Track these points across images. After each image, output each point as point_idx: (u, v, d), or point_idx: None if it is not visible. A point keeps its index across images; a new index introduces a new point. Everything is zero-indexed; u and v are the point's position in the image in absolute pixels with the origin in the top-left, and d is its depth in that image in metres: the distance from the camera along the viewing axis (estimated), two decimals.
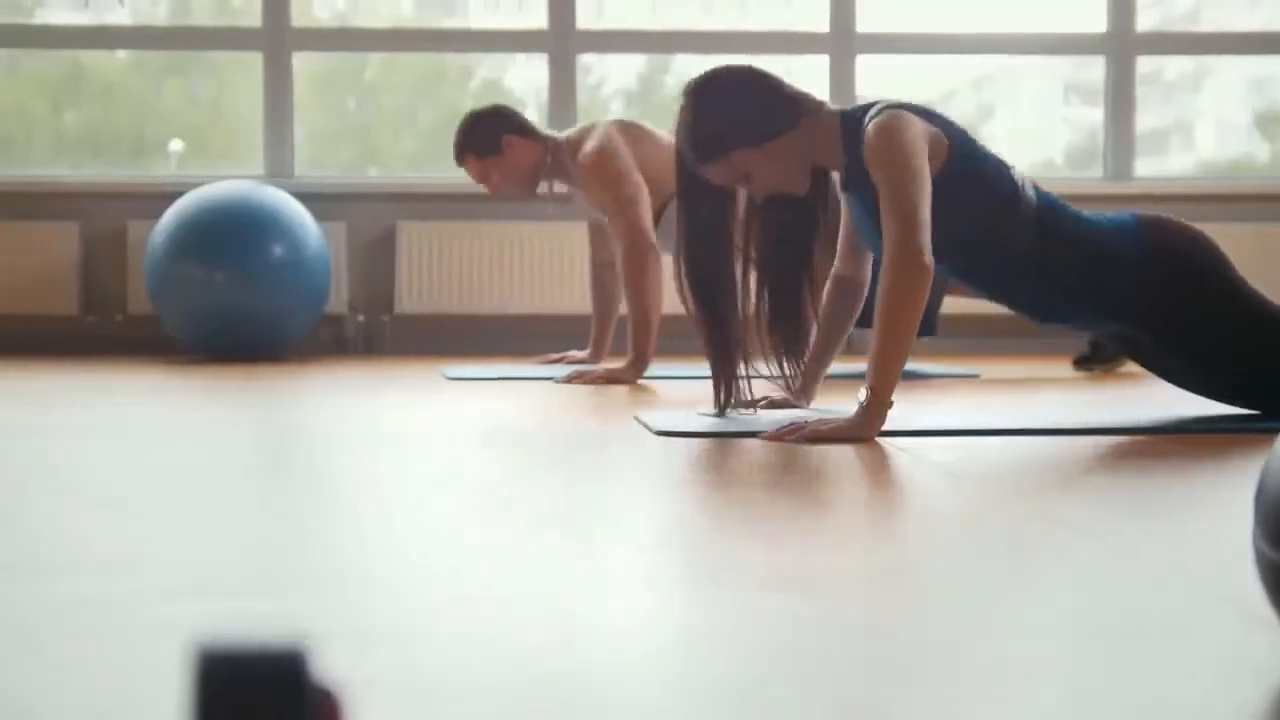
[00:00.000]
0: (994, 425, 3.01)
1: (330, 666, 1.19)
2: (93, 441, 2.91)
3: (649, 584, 1.59)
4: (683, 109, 3.09)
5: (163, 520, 1.99)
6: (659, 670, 1.23)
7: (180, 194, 5.54)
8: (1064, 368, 4.92)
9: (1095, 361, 4.81)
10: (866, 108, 3.04)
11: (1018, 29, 6.58)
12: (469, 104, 7.22)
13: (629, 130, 4.69)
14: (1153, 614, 1.45)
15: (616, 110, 7.33)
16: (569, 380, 4.38)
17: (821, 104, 3.09)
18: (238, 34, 6.41)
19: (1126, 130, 6.40)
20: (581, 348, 5.21)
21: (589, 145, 4.63)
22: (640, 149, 4.63)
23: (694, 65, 7.08)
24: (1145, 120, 6.76)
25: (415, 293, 6.09)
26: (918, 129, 2.93)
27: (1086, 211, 3.11)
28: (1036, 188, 3.08)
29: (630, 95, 7.43)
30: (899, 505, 2.22)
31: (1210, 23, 7.33)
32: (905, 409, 3.29)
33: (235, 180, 5.66)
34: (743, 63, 3.15)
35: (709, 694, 1.17)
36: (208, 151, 6.88)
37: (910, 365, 4.95)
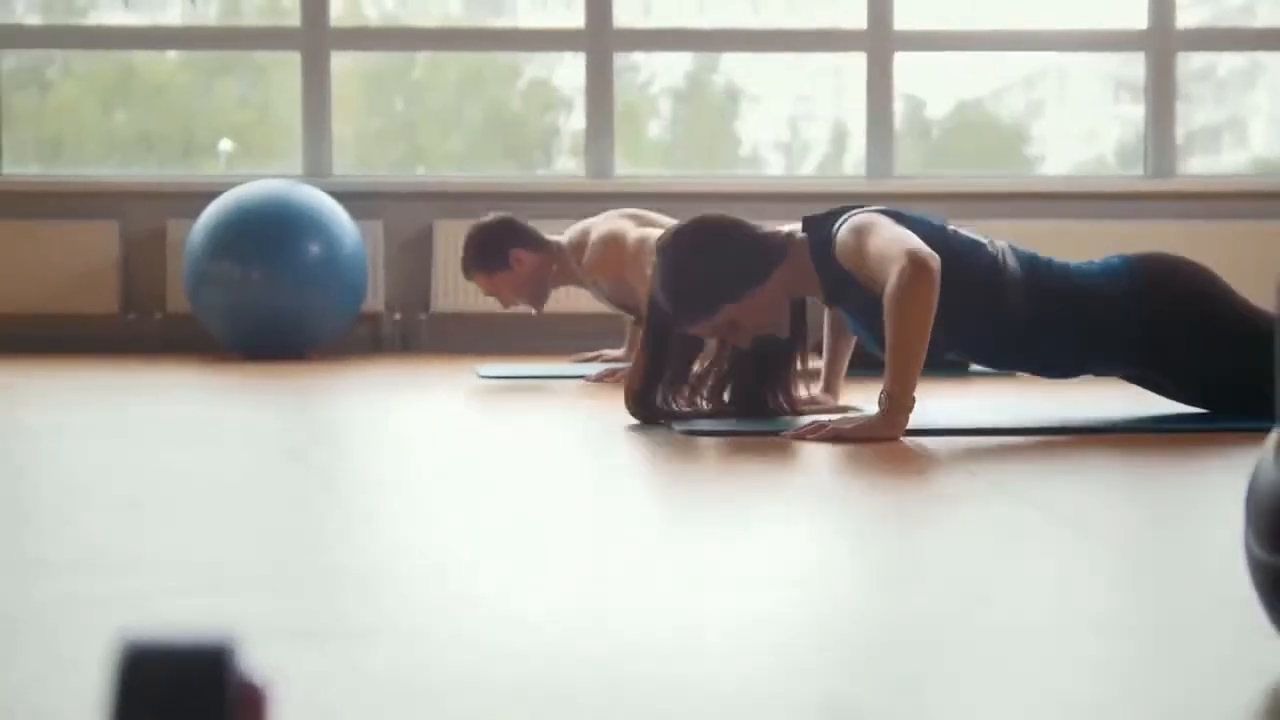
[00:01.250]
0: (1019, 424, 2.99)
1: (260, 662, 1.20)
2: (119, 440, 2.94)
3: (650, 582, 1.59)
4: (657, 268, 3.06)
5: (176, 518, 2.00)
6: (660, 669, 1.23)
7: (219, 193, 5.57)
8: None
9: None
10: (831, 220, 3.03)
11: (1057, 26, 6.54)
12: (517, 103, 7.29)
13: (632, 215, 4.70)
14: (1150, 614, 1.44)
15: (665, 108, 7.35)
16: (601, 379, 4.38)
17: (790, 236, 3.08)
18: (277, 34, 6.44)
19: (1168, 127, 6.35)
20: (616, 346, 5.21)
21: (594, 238, 4.62)
22: (646, 231, 4.61)
23: (740, 63, 7.12)
24: (1198, 117, 6.70)
25: (451, 291, 6.10)
26: (885, 220, 2.94)
27: (1074, 261, 3.10)
28: (1015, 251, 3.06)
29: (678, 93, 7.43)
30: (907, 504, 2.21)
31: (1266, 18, 7.21)
32: (934, 406, 3.28)
33: (273, 179, 5.69)
34: (712, 215, 3.13)
35: (708, 694, 1.16)
36: (257, 151, 6.92)
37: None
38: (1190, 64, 6.46)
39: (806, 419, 2.93)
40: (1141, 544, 1.81)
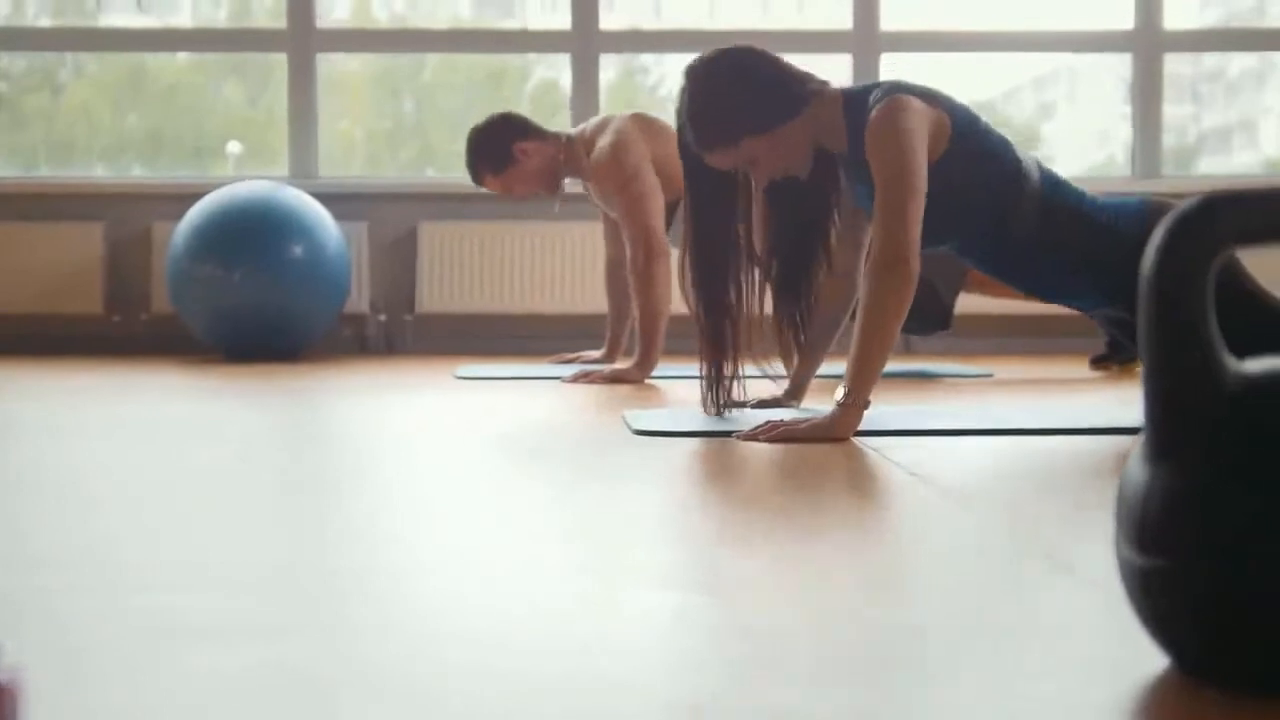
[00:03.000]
0: (972, 425, 2.99)
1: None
2: (96, 441, 2.95)
3: (633, 580, 1.60)
4: (684, 91, 3.06)
5: (160, 516, 2.01)
6: (652, 664, 1.24)
7: (204, 195, 5.59)
8: (1081, 368, 4.88)
9: (1113, 361, 4.78)
10: (871, 88, 3.03)
11: (1044, 26, 6.53)
12: (526, 105, 7.28)
13: (645, 125, 4.65)
14: (1042, 614, 1.44)
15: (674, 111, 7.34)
16: (575, 380, 4.39)
17: (825, 84, 3.07)
18: (263, 35, 6.46)
19: (1154, 129, 6.35)
20: (600, 347, 5.22)
21: (603, 140, 4.60)
22: (656, 144, 4.60)
23: None
24: (1209, 118, 6.67)
25: (436, 292, 6.11)
26: (920, 116, 2.92)
27: (1093, 193, 3.08)
28: (1041, 167, 3.07)
29: None
30: (843, 506, 2.21)
31: (1277, 18, 7.16)
32: (896, 408, 3.29)
33: (257, 181, 5.70)
34: (747, 45, 3.10)
35: (694, 691, 1.17)
36: (265, 153, 6.92)
37: (924, 365, 4.96)
38: (1202, 65, 6.43)
39: (760, 418, 2.93)
40: (1059, 545, 1.81)
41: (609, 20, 6.34)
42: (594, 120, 4.80)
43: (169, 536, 1.87)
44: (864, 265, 2.95)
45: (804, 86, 3.04)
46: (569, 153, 4.71)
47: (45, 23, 6.72)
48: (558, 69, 7.06)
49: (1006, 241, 3.03)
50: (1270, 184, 1.12)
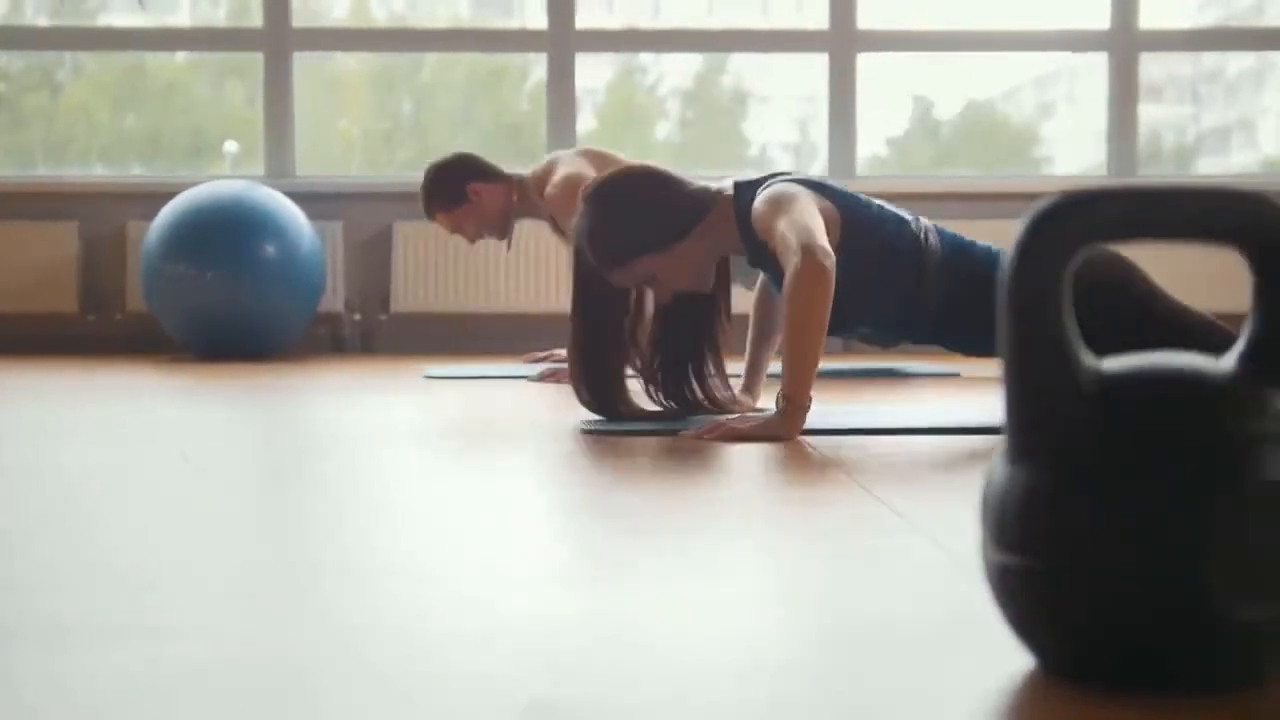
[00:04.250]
0: (913, 426, 3.00)
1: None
2: (83, 444, 2.96)
3: (607, 578, 1.61)
4: (582, 215, 3.06)
5: (132, 517, 2.03)
6: (633, 662, 1.25)
7: (178, 194, 5.59)
8: None
9: None
10: (757, 185, 3.03)
11: (1022, 26, 6.53)
12: (525, 104, 7.29)
13: (595, 157, 4.69)
14: (930, 613, 1.45)
15: (674, 110, 7.37)
16: (542, 378, 4.40)
17: (719, 195, 3.08)
18: (239, 34, 6.46)
19: (1130, 128, 6.35)
20: None
21: (557, 176, 4.62)
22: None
23: (751, 65, 7.14)
24: (1208, 118, 6.67)
25: (411, 292, 6.12)
26: (803, 195, 2.93)
27: (999, 245, 3.08)
28: (940, 231, 3.07)
29: (687, 95, 7.45)
30: (773, 504, 2.21)
31: (1275, 17, 7.15)
32: (846, 407, 3.29)
33: (231, 180, 5.70)
34: (642, 165, 3.14)
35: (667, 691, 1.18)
36: (261, 152, 6.96)
37: (892, 364, 4.96)
38: (1202, 65, 6.42)
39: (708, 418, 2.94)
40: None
41: (609, 20, 6.35)
42: (544, 160, 4.80)
43: (157, 536, 1.88)
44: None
45: (699, 202, 3.05)
46: (522, 194, 4.75)
47: (43, 22, 6.73)
48: None
49: (921, 313, 3.04)
50: (1125, 184, 1.12)
